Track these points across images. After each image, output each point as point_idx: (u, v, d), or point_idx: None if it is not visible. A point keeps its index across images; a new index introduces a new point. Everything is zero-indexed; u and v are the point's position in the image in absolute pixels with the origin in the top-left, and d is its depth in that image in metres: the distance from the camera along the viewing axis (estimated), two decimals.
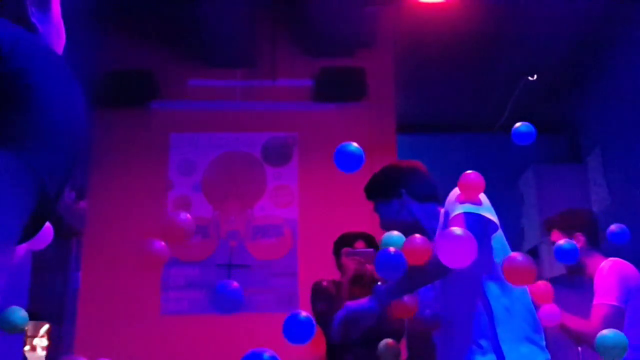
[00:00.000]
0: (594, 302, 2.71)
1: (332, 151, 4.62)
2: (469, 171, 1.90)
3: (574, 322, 2.71)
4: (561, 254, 2.08)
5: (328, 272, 3.31)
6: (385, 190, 2.15)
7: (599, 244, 2.91)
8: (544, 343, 1.97)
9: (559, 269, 3.98)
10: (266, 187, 4.41)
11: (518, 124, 1.99)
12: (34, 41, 0.91)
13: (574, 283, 3.40)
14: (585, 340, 2.64)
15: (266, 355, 1.31)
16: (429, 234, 2.09)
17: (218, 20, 4.09)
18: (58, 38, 1.04)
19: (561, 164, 5.61)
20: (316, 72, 4.52)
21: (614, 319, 2.65)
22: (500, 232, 1.99)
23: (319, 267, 3.53)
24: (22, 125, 0.82)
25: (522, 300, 1.99)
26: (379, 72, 4.60)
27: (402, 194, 2.12)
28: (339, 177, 4.14)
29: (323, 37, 4.44)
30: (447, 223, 1.93)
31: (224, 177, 4.44)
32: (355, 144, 1.73)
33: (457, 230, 1.61)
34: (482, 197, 1.95)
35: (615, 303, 2.68)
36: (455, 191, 1.98)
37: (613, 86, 4.82)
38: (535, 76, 5.12)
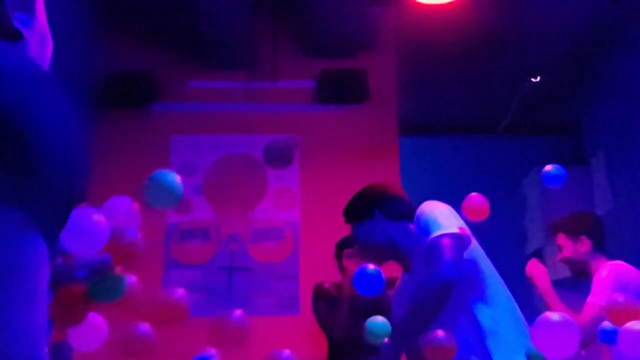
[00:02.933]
0: (587, 300, 2.75)
1: (334, 153, 4.64)
2: (473, 193, 1.90)
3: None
4: (605, 335, 2.00)
5: (329, 275, 3.28)
6: (358, 211, 2.20)
7: (604, 248, 2.91)
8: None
9: (564, 272, 3.95)
10: (267, 189, 4.39)
11: (549, 167, 1.99)
12: (15, 68, 0.81)
13: (579, 286, 3.40)
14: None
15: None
16: (404, 253, 2.10)
17: (219, 21, 4.07)
18: (43, 44, 0.96)
19: (565, 166, 5.57)
20: (318, 73, 4.49)
21: (603, 321, 2.67)
22: (474, 242, 1.99)
23: (320, 270, 3.50)
24: (16, 170, 0.75)
25: (507, 308, 1.97)
26: (381, 73, 4.57)
27: (375, 214, 2.14)
28: (341, 179, 4.13)
29: (324, 39, 4.42)
30: (421, 240, 1.95)
31: (225, 180, 4.42)
32: (372, 267, 1.71)
33: (554, 316, 1.50)
34: (445, 207, 1.96)
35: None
36: (424, 206, 2.00)
37: (617, 88, 4.80)
38: (539, 78, 5.10)
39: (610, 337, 2.00)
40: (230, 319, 1.62)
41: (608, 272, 2.77)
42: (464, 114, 5.84)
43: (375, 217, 2.14)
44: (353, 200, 2.26)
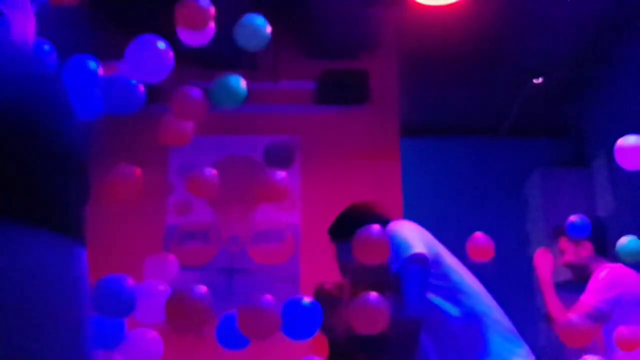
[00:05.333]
0: (580, 299, 2.78)
1: (335, 154, 4.62)
2: (478, 232, 1.95)
3: (555, 308, 2.78)
4: None
5: (330, 277, 3.26)
6: (341, 231, 2.22)
7: (606, 251, 2.92)
8: (526, 349, 1.95)
9: (565, 274, 3.95)
10: None
11: (575, 218, 2.05)
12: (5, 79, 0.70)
13: (580, 288, 3.40)
14: (559, 328, 2.73)
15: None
16: (386, 273, 2.11)
17: (218, 22, 4.05)
18: (26, 20, 0.85)
19: (567, 168, 5.56)
20: (318, 74, 4.48)
21: (592, 320, 2.72)
22: (436, 257, 2.01)
23: (321, 272, 3.49)
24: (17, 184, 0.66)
25: (491, 315, 1.98)
26: (383, 74, 4.55)
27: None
28: (342, 181, 4.11)
29: (326, 39, 4.40)
30: (395, 259, 1.99)
31: (225, 181, 4.39)
32: None
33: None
34: (411, 226, 2.00)
35: (597, 305, 2.73)
36: (391, 226, 2.03)
37: (620, 89, 4.79)
38: (541, 79, 5.08)
39: None
40: (371, 234, 1.64)
41: (606, 274, 2.81)
42: (466, 116, 5.83)
43: None
44: (337, 220, 2.29)
